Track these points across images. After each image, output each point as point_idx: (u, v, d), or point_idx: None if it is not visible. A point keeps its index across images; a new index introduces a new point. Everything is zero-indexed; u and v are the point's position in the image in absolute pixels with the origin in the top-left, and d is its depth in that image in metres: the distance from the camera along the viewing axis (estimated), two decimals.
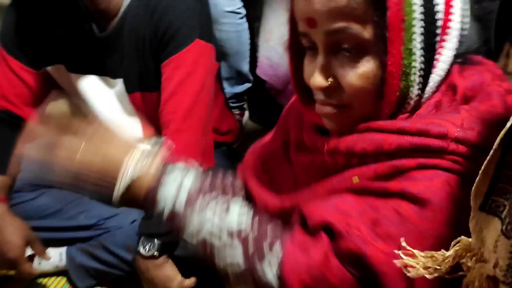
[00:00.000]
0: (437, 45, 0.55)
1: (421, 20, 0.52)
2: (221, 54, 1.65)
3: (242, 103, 1.81)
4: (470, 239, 0.44)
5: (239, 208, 0.62)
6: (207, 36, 1.09)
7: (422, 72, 0.54)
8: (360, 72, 0.54)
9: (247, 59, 1.71)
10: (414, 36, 0.52)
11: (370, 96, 0.55)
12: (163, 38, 1.04)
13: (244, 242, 0.58)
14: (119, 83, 1.12)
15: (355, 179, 0.55)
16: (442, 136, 0.52)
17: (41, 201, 1.20)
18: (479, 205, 0.43)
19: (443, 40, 0.55)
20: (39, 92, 1.17)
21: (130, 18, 1.05)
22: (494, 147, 0.42)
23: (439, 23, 0.54)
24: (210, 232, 0.59)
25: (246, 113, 1.85)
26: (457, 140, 0.52)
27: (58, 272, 1.25)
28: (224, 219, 0.60)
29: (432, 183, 0.51)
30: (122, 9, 1.04)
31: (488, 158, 0.42)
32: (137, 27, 1.05)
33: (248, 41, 1.68)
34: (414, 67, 0.53)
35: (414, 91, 0.55)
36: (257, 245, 0.58)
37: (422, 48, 0.53)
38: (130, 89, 1.12)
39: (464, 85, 0.57)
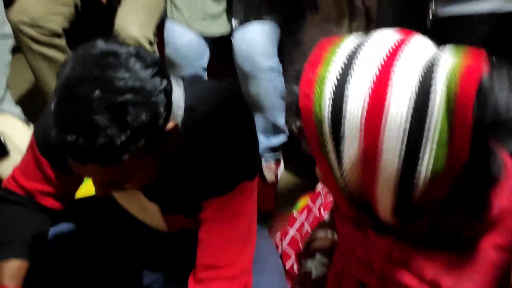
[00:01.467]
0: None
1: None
2: (258, 108, 1.69)
3: (277, 155, 1.83)
4: None
5: None
6: (253, 174, 1.01)
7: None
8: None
9: (283, 113, 1.74)
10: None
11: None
12: (208, 182, 0.96)
13: None
14: (154, 205, 1.08)
15: None
16: (420, 277, 0.56)
17: None
18: None
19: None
20: (66, 189, 1.11)
21: (178, 159, 0.95)
22: None
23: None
24: None
25: (282, 164, 1.86)
26: (430, 283, 0.55)
27: None
28: None
29: None
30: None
31: None
32: (184, 168, 0.97)
33: None
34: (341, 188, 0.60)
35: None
36: None
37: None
38: (165, 212, 1.08)
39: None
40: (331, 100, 0.54)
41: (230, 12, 1.68)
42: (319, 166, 0.60)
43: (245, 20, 1.62)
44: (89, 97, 0.74)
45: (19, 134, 1.69)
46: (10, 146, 1.65)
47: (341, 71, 0.55)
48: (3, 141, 1.64)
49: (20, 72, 1.99)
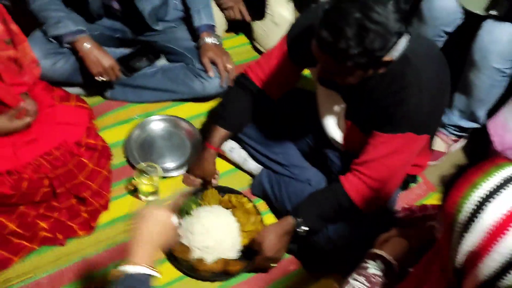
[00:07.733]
0: None
1: None
2: (465, 90, 1.72)
3: (463, 134, 1.88)
4: None
5: None
6: (424, 130, 1.24)
7: None
8: None
9: (487, 109, 1.76)
10: None
11: None
12: (384, 116, 1.22)
13: None
14: (342, 106, 1.38)
15: None
16: None
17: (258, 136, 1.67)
18: None
19: None
20: (290, 81, 1.50)
21: (378, 84, 1.23)
22: None
23: None
24: None
25: (459, 144, 1.92)
26: None
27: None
28: None
29: None
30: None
31: None
32: (376, 91, 1.24)
33: (498, 96, 1.71)
34: None
35: None
36: None
37: None
38: (348, 115, 1.37)
39: None
40: (473, 206, 0.67)
41: None
42: (442, 237, 0.72)
43: (504, 16, 1.58)
44: (351, 14, 1.03)
45: (282, 8, 2.03)
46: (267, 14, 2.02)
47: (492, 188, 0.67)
48: (265, 5, 2.02)
49: None
